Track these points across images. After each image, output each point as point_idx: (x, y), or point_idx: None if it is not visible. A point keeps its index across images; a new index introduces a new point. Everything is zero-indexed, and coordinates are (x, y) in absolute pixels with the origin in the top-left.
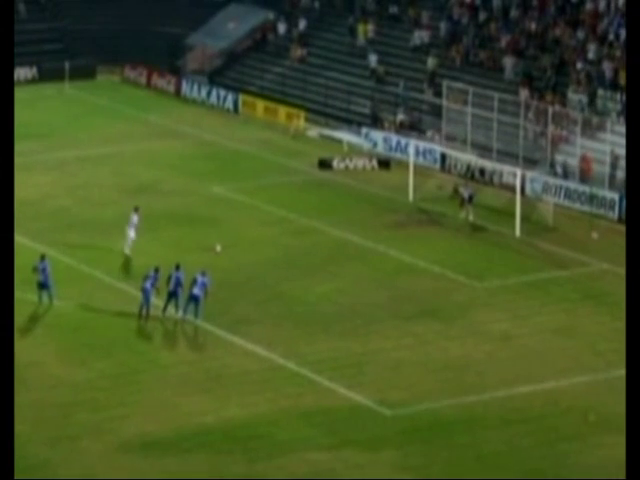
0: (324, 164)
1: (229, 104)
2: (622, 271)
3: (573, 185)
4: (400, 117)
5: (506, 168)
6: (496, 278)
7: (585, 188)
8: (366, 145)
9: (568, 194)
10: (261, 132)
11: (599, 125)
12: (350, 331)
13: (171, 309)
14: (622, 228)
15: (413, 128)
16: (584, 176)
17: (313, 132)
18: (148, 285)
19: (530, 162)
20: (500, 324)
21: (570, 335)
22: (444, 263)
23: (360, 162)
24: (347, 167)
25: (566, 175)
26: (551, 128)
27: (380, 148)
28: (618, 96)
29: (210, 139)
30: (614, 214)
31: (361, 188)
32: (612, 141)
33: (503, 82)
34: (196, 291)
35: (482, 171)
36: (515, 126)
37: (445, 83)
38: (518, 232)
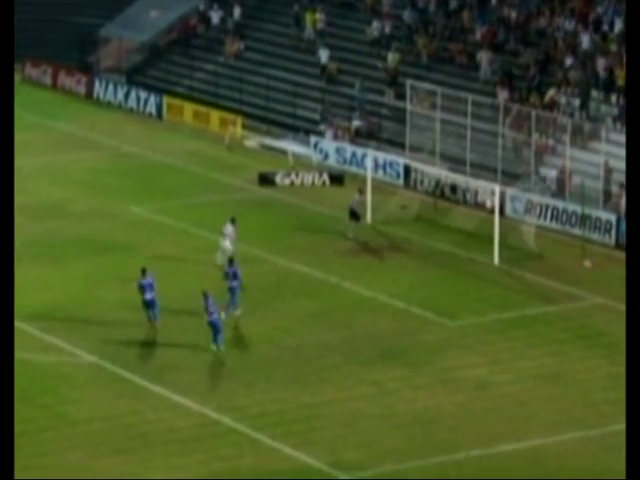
0: (265, 180)
1: (151, 108)
2: (621, 306)
3: (561, 204)
4: (356, 123)
5: (482, 184)
6: (471, 315)
7: (576, 207)
8: (315, 157)
9: (556, 215)
10: (190, 142)
11: (592, 133)
12: (297, 379)
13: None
14: (621, 255)
15: (371, 136)
16: (569, 194)
17: (252, 142)
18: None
19: (511, 177)
20: (476, 370)
21: (559, 383)
22: (409, 297)
23: (308, 177)
24: (293, 183)
25: (556, 191)
26: (535, 136)
27: (332, 160)
28: (614, 98)
29: (128, 150)
30: (610, 238)
31: (309, 208)
32: (607, 151)
33: (478, 82)
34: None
35: (454, 188)
36: (492, 134)
37: (409, 83)
38: (497, 260)
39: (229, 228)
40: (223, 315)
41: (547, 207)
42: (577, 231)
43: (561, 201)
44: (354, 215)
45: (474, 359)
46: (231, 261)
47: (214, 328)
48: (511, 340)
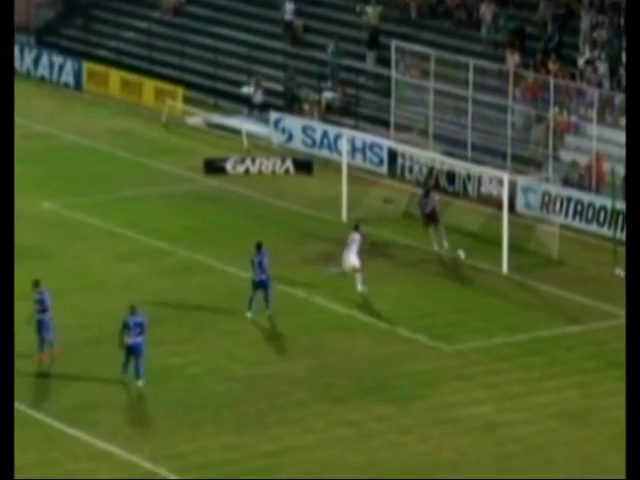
0: (213, 167)
1: (67, 77)
2: None
3: (587, 197)
4: (328, 96)
5: (487, 172)
6: (473, 337)
7: (605, 201)
8: (276, 138)
9: (580, 210)
10: (117, 119)
11: (625, 107)
12: (253, 420)
13: None
14: None
15: (347, 112)
16: (597, 184)
17: (196, 119)
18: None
19: (523, 163)
20: (480, 407)
21: (585, 423)
22: (395, 316)
23: (268, 164)
24: (248, 171)
25: (577, 182)
26: (554, 112)
27: (298, 143)
28: None
29: (38, 130)
30: None
31: (270, 203)
32: None
33: (481, 43)
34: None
35: (451, 177)
36: (500, 109)
37: (394, 44)
38: (506, 268)
39: (355, 236)
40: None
41: (569, 201)
42: (607, 231)
43: (587, 193)
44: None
45: (478, 393)
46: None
47: (133, 353)
48: (524, 369)
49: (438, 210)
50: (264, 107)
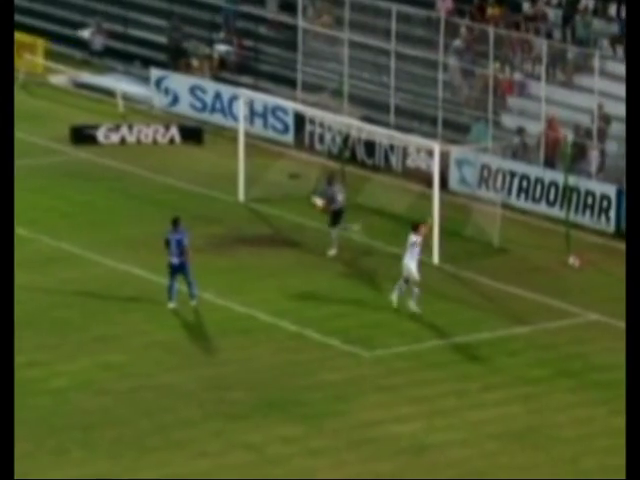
0: (82, 136)
1: None
2: (624, 325)
3: (535, 171)
4: (221, 49)
5: (414, 141)
6: (398, 341)
7: (556, 176)
8: (159, 101)
9: (526, 188)
10: None
11: (580, 63)
12: (132, 443)
13: None
14: (621, 246)
15: (245, 69)
16: (547, 155)
17: (61, 78)
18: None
19: (457, 130)
20: (407, 425)
21: (533, 443)
22: (303, 315)
23: (148, 132)
24: (124, 141)
25: (523, 153)
26: (494, 68)
27: (185, 106)
28: (613, 10)
29: None
30: (609, 222)
31: (150, 180)
32: (602, 90)
33: None
34: (176, 259)
35: (370, 147)
36: (429, 65)
37: None
38: (437, 257)
39: (413, 238)
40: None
41: (513, 175)
42: (559, 212)
43: (534, 166)
44: (337, 216)
45: (404, 409)
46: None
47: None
48: (460, 379)
49: (344, 204)
50: (103, 54)
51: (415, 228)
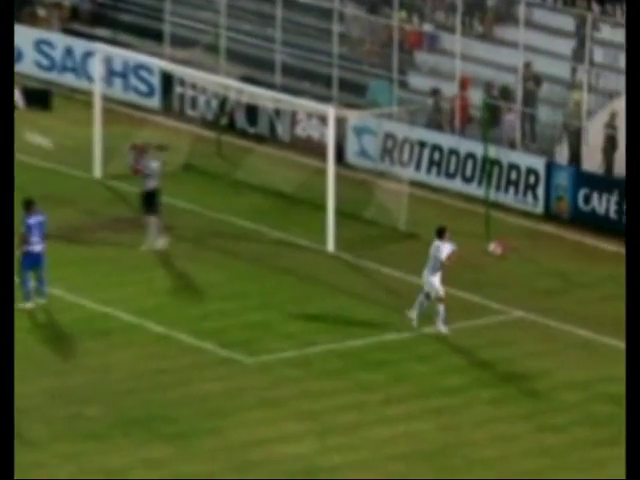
0: None
1: None
2: (556, 325)
3: (449, 141)
4: None
5: (305, 105)
6: (285, 345)
7: (474, 147)
8: None
9: (438, 161)
10: None
11: (501, 12)
12: None
13: None
14: (553, 231)
15: (100, 20)
16: (463, 122)
17: None
18: None
19: (356, 92)
20: (296, 445)
21: (445, 465)
22: (172, 314)
23: None
24: None
25: (434, 120)
26: (399, 17)
27: (28, 64)
28: None
29: None
30: (537, 203)
31: None
32: (529, 44)
33: None
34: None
35: (252, 112)
36: (322, 14)
37: None
38: (332, 244)
39: (440, 245)
40: None
41: (422, 146)
42: (477, 190)
43: (448, 135)
44: (149, 202)
45: (292, 426)
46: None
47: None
48: (360, 390)
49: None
50: None
51: (441, 234)
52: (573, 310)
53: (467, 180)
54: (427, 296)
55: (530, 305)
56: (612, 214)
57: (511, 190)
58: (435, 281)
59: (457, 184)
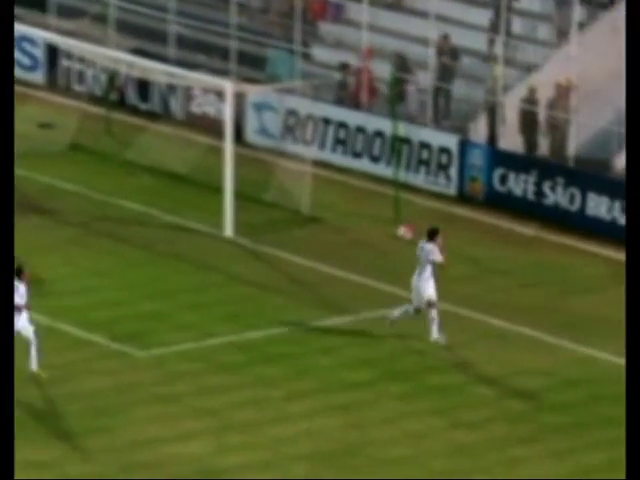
0: None
1: None
2: (477, 316)
3: (356, 118)
4: None
5: (200, 80)
6: (180, 337)
7: (383, 124)
8: None
9: (344, 139)
10: None
11: None
12: None
13: None
14: (467, 214)
15: None
16: (371, 97)
17: None
18: None
19: (255, 65)
20: (192, 443)
21: (352, 466)
22: (55, 304)
23: None
24: None
25: (340, 95)
26: None
27: None
28: None
29: None
30: (449, 184)
31: None
32: (441, 14)
33: None
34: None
35: (144, 87)
36: None
37: None
38: (230, 228)
39: (426, 246)
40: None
41: (327, 123)
42: (386, 170)
43: (354, 112)
44: None
45: (188, 424)
46: None
47: None
48: (260, 385)
49: None
50: None
51: (432, 235)
52: (487, 298)
53: (375, 160)
54: (417, 311)
55: (442, 293)
56: (530, 196)
57: (422, 170)
58: (426, 285)
59: (364, 164)
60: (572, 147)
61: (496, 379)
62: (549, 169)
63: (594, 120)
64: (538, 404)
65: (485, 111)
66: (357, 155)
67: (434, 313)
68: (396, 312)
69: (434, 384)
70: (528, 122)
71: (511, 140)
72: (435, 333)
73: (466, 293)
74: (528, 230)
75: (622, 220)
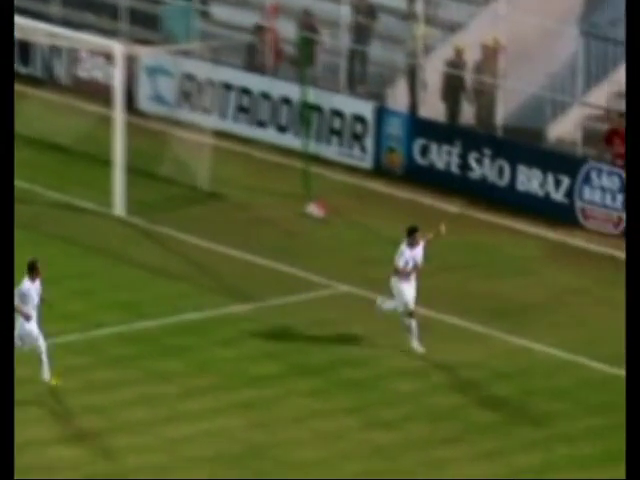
0: None
1: None
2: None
3: (260, 83)
4: None
5: (84, 40)
6: (65, 328)
7: (290, 90)
8: None
9: (247, 107)
10: None
11: None
12: None
13: None
14: (383, 188)
15: None
16: (277, 59)
17: None
18: None
19: (147, 25)
20: (75, 446)
21: (259, 468)
22: None
23: None
24: None
25: (242, 58)
26: None
27: None
28: None
29: None
30: (364, 156)
31: None
32: None
33: None
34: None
35: (24, 50)
36: None
37: None
38: (121, 206)
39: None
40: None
41: (228, 89)
42: (294, 141)
43: (258, 76)
44: None
45: (73, 424)
46: None
47: None
48: (153, 381)
49: None
50: None
51: (411, 233)
52: None
53: (281, 129)
54: (410, 314)
55: (357, 277)
56: (454, 169)
57: (334, 141)
58: (406, 292)
59: (270, 134)
60: (500, 115)
61: (417, 373)
62: (475, 139)
63: (525, 85)
64: (464, 400)
65: (404, 75)
66: (262, 124)
67: (413, 322)
68: (387, 305)
69: (348, 379)
70: (452, 87)
71: (433, 107)
72: (415, 342)
73: (383, 277)
74: (452, 207)
75: (555, 195)
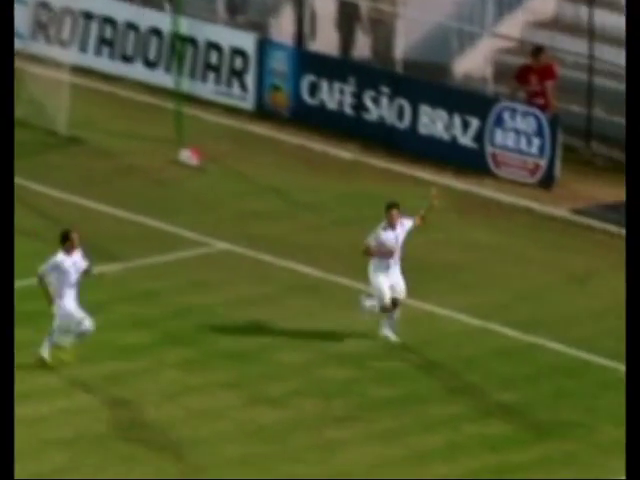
0: None
1: None
2: (281, 260)
3: (125, 13)
4: None
5: None
6: None
7: (158, 20)
8: None
9: (111, 41)
10: None
11: None
12: None
13: None
14: (266, 132)
15: None
16: None
17: None
18: None
19: None
20: None
21: (128, 454)
22: None
23: None
24: None
25: None
26: None
27: None
28: None
29: None
30: (245, 96)
31: None
32: None
33: None
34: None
35: None
36: None
37: None
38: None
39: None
40: None
41: (89, 20)
42: (164, 78)
43: (124, 4)
44: None
45: None
46: None
47: None
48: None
49: None
50: None
51: (390, 208)
52: (295, 240)
53: (150, 65)
54: (394, 303)
55: (237, 234)
56: (347, 110)
57: (210, 78)
58: (379, 281)
59: (137, 70)
60: (400, 48)
61: (307, 343)
62: (371, 76)
63: (428, 14)
64: (360, 374)
65: (290, 2)
66: (127, 59)
67: (397, 313)
68: (367, 303)
69: (226, 350)
70: (345, 16)
71: (324, 39)
72: (388, 330)
73: (268, 233)
74: (345, 153)
75: (463, 140)
